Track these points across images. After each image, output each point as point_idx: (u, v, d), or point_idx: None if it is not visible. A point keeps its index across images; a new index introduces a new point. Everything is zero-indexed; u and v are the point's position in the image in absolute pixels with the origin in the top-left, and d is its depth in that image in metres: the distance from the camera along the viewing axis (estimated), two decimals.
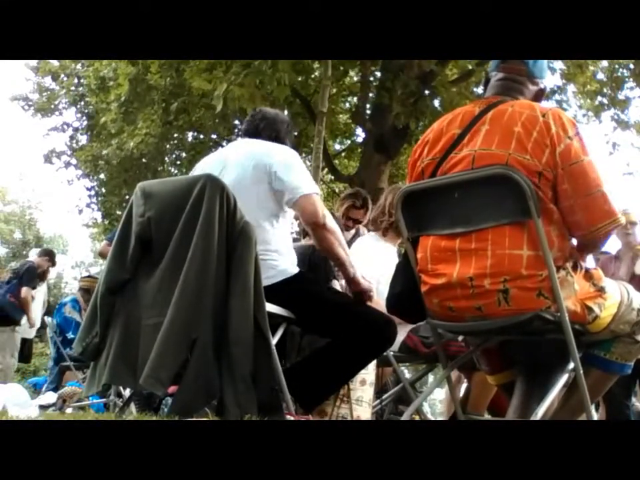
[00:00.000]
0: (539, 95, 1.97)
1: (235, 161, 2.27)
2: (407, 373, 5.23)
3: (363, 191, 4.30)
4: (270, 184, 2.19)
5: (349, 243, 3.46)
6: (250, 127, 2.47)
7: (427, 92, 7.83)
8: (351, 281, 2.25)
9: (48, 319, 6.23)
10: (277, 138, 2.42)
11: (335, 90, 9.63)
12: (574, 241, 1.84)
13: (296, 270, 2.26)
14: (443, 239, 1.82)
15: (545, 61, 1.99)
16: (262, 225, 2.17)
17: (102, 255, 5.85)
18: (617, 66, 8.63)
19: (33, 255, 6.83)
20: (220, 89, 6.05)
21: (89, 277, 6.65)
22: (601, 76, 9.29)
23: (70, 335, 5.75)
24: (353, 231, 4.03)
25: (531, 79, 1.94)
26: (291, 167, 2.23)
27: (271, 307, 2.03)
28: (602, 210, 1.73)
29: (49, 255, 6.83)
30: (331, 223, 2.22)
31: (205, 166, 2.37)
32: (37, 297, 6.74)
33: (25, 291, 6.28)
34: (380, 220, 3.13)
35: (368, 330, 2.16)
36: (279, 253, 2.22)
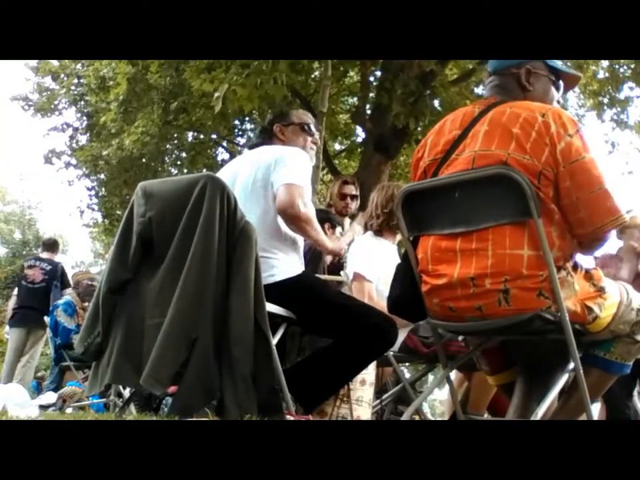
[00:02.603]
0: (523, 77, 1.92)
1: (245, 168, 2.38)
2: (407, 372, 5.23)
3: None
4: (272, 183, 2.26)
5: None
6: (257, 139, 2.60)
7: (427, 92, 7.82)
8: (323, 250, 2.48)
9: (48, 319, 6.24)
10: (276, 134, 2.51)
11: (335, 90, 9.63)
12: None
13: (300, 270, 2.28)
14: (443, 239, 1.82)
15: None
16: (269, 224, 2.25)
17: None
18: (617, 66, 8.63)
19: (46, 254, 6.85)
20: (221, 89, 6.05)
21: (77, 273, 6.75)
22: (601, 76, 9.29)
23: (58, 340, 5.75)
24: (347, 225, 4.03)
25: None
26: (285, 161, 2.29)
27: (271, 307, 2.03)
28: (605, 207, 1.71)
29: (55, 246, 6.93)
30: (307, 213, 2.23)
31: (222, 173, 2.46)
32: None
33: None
34: (370, 223, 3.15)
35: (369, 331, 2.16)
36: (284, 252, 2.27)
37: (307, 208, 2.23)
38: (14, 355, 6.40)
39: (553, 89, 1.96)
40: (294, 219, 2.21)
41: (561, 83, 1.99)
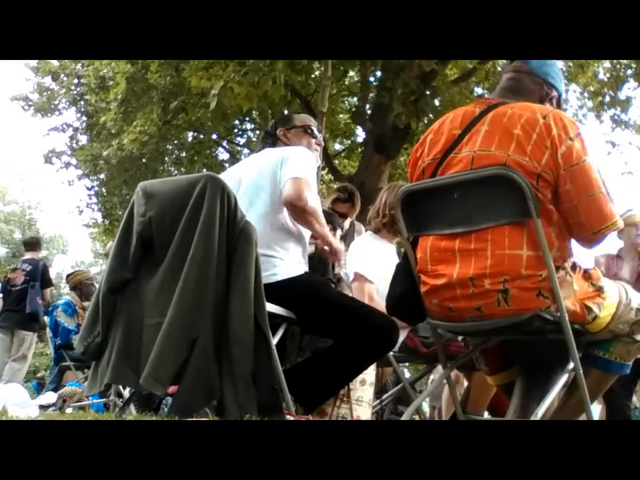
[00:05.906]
0: (545, 98, 1.94)
1: (250, 170, 2.40)
2: (407, 372, 5.23)
3: (351, 186, 4.28)
4: (279, 182, 2.27)
5: (342, 237, 3.47)
6: (261, 143, 2.64)
7: (427, 91, 7.82)
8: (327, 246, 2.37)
9: (47, 319, 6.24)
10: (280, 138, 2.54)
11: (335, 90, 9.63)
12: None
13: (302, 270, 2.27)
14: (442, 239, 1.82)
15: (552, 62, 1.98)
16: (274, 223, 2.25)
17: (108, 255, 5.84)
18: (618, 66, 8.63)
19: (28, 254, 6.81)
20: (217, 86, 6.04)
21: (71, 273, 6.67)
22: (602, 76, 9.29)
23: (58, 341, 5.73)
24: (346, 225, 3.98)
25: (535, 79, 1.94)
26: (291, 158, 2.31)
27: (271, 307, 2.03)
28: (604, 211, 1.72)
29: (37, 245, 6.88)
30: (313, 205, 2.23)
31: (227, 174, 2.49)
32: None
33: (48, 292, 6.51)
34: (373, 220, 3.16)
35: (370, 332, 2.16)
36: (287, 251, 2.26)
37: (314, 202, 2.24)
38: (1, 357, 6.39)
39: None
40: (301, 211, 2.21)
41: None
